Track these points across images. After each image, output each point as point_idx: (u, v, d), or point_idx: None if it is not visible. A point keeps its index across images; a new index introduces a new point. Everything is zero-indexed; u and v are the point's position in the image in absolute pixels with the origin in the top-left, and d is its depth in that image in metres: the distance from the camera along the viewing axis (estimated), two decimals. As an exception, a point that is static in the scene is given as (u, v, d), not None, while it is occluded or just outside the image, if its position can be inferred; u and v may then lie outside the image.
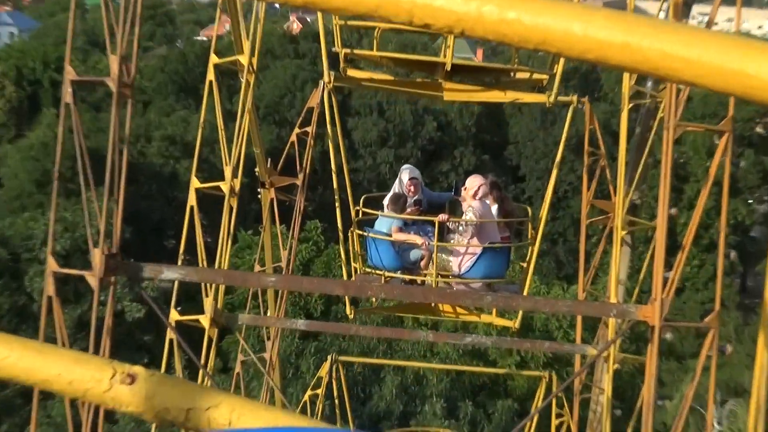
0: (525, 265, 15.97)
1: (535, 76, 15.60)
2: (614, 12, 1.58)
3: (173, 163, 65.10)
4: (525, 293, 15.55)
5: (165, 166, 65.53)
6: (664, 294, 13.00)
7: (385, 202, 15.79)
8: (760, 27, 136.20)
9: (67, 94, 12.82)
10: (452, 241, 14.95)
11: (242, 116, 15.32)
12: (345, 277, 15.73)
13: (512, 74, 15.71)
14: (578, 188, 62.36)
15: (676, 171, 44.51)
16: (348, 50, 14.85)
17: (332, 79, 14.87)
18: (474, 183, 15.24)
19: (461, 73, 15.28)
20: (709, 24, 13.41)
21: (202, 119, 17.21)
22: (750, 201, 73.54)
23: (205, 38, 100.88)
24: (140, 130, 65.31)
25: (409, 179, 15.88)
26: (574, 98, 15.47)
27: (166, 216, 60.48)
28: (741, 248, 72.93)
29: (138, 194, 56.06)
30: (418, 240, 15.10)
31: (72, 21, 12.50)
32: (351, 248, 15.69)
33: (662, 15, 15.81)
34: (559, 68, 14.95)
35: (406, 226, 15.27)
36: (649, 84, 16.37)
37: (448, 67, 14.57)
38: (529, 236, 15.83)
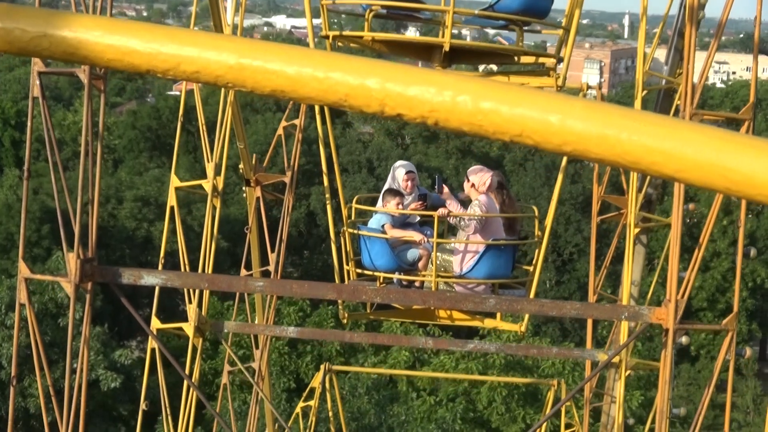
0: (531, 268, 15.95)
1: (542, 59, 15.45)
2: (593, 103, 1.64)
3: (147, 226, 63.22)
4: (532, 296, 15.54)
5: (138, 230, 63.77)
6: (678, 295, 13.07)
7: (380, 201, 15.63)
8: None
9: (35, 87, 12.89)
10: (453, 239, 14.93)
11: (224, 110, 15.35)
12: (337, 280, 15.71)
13: (516, 58, 15.55)
14: (585, 250, 61.98)
15: (690, 231, 44.03)
16: (336, 32, 14.75)
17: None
18: (480, 175, 15.19)
19: (461, 57, 15.20)
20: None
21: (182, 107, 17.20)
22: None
23: (178, 92, 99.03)
24: (110, 190, 63.72)
25: (406, 173, 15.70)
26: (585, 84, 15.45)
27: (139, 285, 58.28)
28: (761, 313, 72.08)
29: (109, 259, 54.48)
30: (416, 236, 14.98)
31: None
32: (343, 249, 15.65)
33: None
34: (567, 50, 14.89)
35: (402, 227, 15.20)
36: (665, 69, 16.39)
37: (447, 48, 14.32)
38: (536, 236, 15.81)
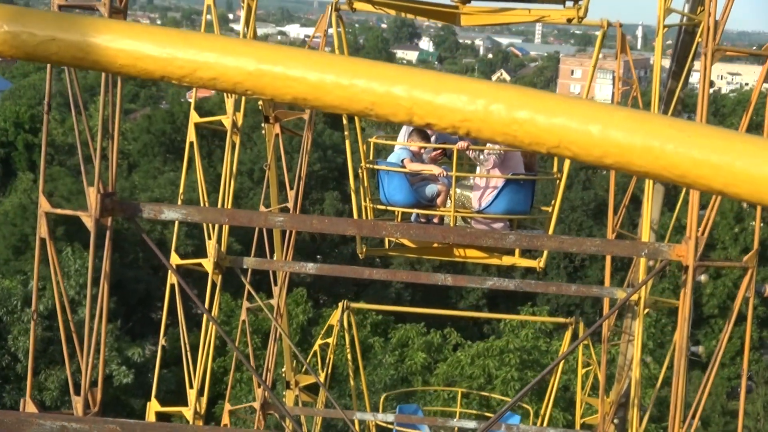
0: (549, 208, 15.86)
1: None
2: (636, 112, 1.54)
3: (161, 229, 62.67)
4: (550, 232, 15.47)
5: (151, 233, 62.47)
6: (699, 232, 12.98)
7: (401, 137, 15.60)
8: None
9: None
10: (471, 174, 14.86)
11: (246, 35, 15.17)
12: (355, 215, 15.67)
13: None
14: (596, 257, 61.34)
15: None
16: None
17: None
18: None
19: None
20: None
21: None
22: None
23: (191, 100, 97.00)
24: (125, 193, 63.41)
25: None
26: (605, 21, 15.23)
27: (152, 286, 57.82)
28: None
29: (123, 263, 54.60)
30: (435, 170, 14.93)
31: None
32: (361, 185, 15.61)
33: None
34: None
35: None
36: (686, 6, 16.14)
37: None
38: (554, 172, 15.72)
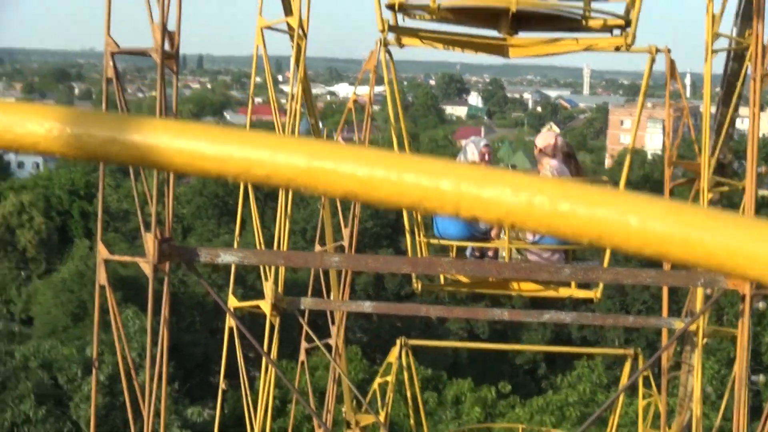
0: None
1: (610, 22, 15.23)
2: (673, 203, 1.59)
3: (217, 291, 62.29)
4: (605, 265, 15.44)
5: (208, 296, 62.49)
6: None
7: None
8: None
9: (108, 68, 12.91)
10: None
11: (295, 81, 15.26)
12: (410, 253, 15.77)
13: (584, 23, 15.32)
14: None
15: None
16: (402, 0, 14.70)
17: (386, 27, 14.73)
18: (545, 136, 15.15)
19: (528, 23, 15.09)
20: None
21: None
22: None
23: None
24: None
25: (484, 146, 15.75)
26: (653, 48, 15.24)
27: (210, 350, 57.16)
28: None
29: (179, 326, 54.54)
30: None
31: None
32: (415, 221, 15.70)
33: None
34: (635, 11, 14.69)
35: None
36: (734, 30, 16.09)
37: (513, 9, 14.17)
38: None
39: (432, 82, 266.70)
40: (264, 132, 1.73)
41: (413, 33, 15.43)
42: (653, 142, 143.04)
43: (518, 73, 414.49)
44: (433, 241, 15.46)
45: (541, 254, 14.89)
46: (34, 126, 1.69)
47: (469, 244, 15.18)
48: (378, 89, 18.88)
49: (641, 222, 1.58)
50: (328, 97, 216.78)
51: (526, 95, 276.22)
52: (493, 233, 15.03)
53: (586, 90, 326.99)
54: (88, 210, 78.02)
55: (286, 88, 15.48)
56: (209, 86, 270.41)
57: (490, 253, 15.36)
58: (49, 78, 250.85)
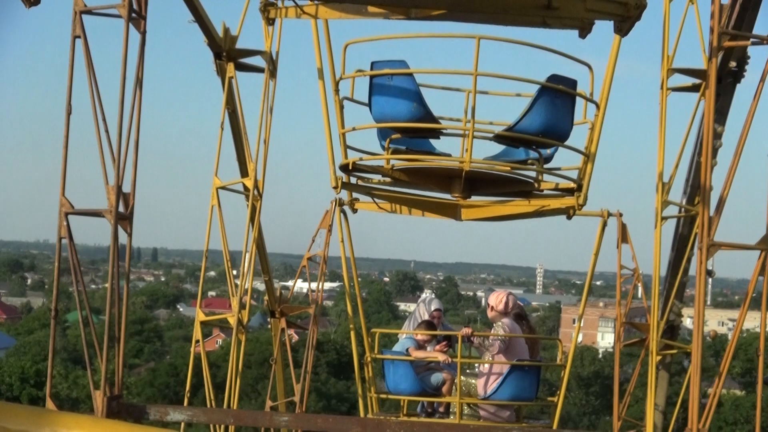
0: (555, 399, 15.89)
1: (562, 185, 15.43)
2: None
3: None
4: (555, 426, 15.46)
5: None
6: (700, 424, 12.95)
7: (406, 327, 15.86)
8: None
9: (62, 228, 12.88)
10: (476, 360, 14.97)
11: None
12: (361, 411, 15.76)
13: (537, 185, 15.47)
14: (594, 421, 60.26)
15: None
16: (355, 158, 14.85)
17: (340, 184, 14.92)
18: (496, 295, 15.34)
19: (480, 186, 15.24)
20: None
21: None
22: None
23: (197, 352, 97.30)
24: None
25: (435, 310, 16.00)
26: (605, 211, 15.49)
27: None
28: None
29: None
30: (440, 356, 15.06)
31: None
32: (367, 376, 15.79)
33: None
34: (587, 174, 14.90)
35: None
36: (684, 198, 16.42)
37: (467, 167, 14.19)
38: (559, 359, 15.79)
39: (386, 279, 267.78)
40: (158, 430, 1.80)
41: (366, 190, 15.63)
42: (604, 340, 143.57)
43: (471, 271, 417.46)
44: (384, 396, 15.49)
45: (491, 410, 14.89)
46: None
47: (421, 399, 15.21)
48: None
49: None
50: (281, 292, 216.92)
51: (480, 293, 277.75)
52: (445, 389, 15.07)
53: (539, 289, 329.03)
54: (38, 396, 77.76)
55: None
56: (163, 279, 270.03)
57: (441, 409, 15.38)
58: (2, 268, 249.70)
